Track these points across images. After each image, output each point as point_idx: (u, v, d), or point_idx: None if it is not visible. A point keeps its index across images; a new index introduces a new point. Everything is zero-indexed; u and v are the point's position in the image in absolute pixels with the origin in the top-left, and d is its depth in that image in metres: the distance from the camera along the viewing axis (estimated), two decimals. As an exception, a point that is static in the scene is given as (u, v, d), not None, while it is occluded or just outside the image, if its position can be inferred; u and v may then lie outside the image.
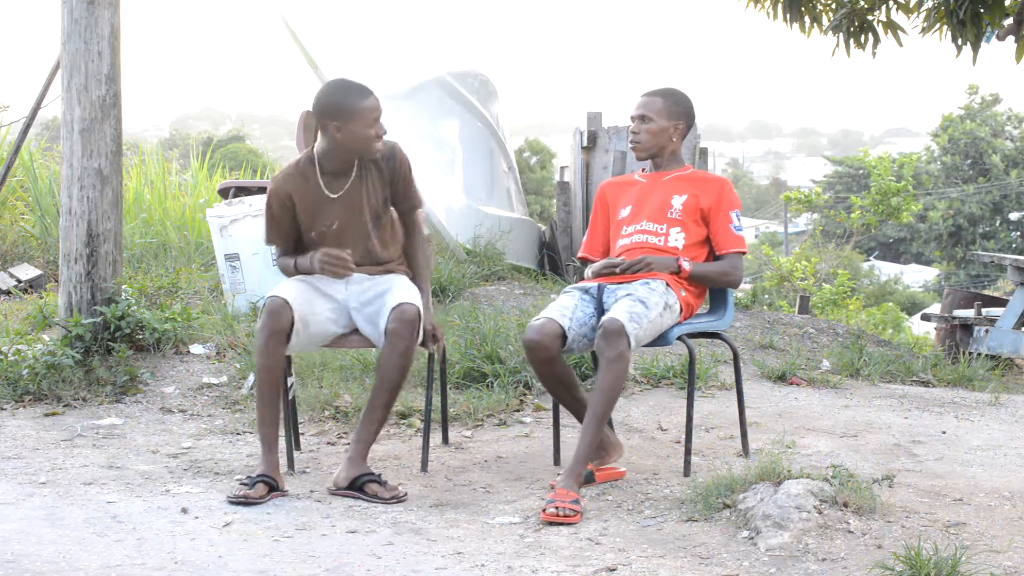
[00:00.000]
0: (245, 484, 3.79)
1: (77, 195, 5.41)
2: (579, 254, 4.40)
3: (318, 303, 4.03)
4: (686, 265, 4.08)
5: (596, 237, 4.34)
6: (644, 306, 3.88)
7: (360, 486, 3.80)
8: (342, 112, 3.93)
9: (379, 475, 3.87)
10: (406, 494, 3.83)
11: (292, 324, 3.90)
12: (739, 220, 4.22)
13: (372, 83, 7.33)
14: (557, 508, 3.58)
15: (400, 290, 4.02)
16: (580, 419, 4.04)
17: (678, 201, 4.17)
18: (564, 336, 3.92)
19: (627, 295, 3.93)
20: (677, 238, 4.14)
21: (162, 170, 10.01)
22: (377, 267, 4.14)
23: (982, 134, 36.61)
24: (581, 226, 8.22)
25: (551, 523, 3.57)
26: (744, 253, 4.21)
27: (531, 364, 3.99)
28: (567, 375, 4.00)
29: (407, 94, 8.14)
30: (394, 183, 4.13)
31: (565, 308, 3.99)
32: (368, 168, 4.09)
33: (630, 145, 4.25)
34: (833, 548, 3.25)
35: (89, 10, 5.38)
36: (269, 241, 4.21)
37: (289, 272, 4.16)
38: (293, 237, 4.16)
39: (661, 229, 4.14)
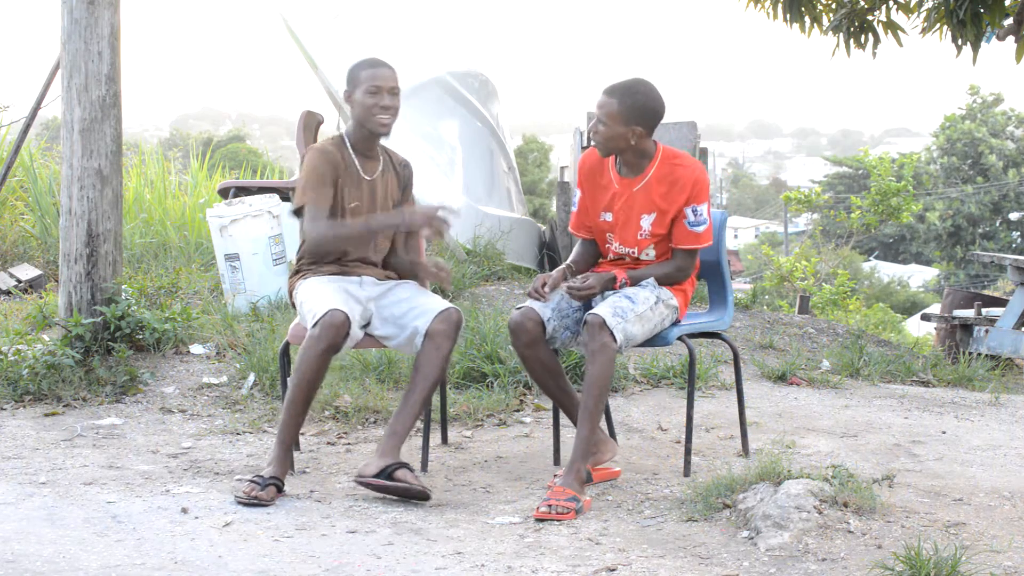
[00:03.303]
0: (256, 483, 3.76)
1: (77, 195, 5.41)
2: (569, 228, 4.33)
3: (356, 309, 3.99)
4: (622, 286, 4.00)
5: (581, 215, 4.22)
6: (630, 301, 3.90)
7: (390, 473, 3.78)
8: (351, 79, 4.08)
9: (410, 464, 3.89)
10: (431, 491, 3.82)
11: (345, 339, 3.88)
12: (695, 215, 4.02)
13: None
14: (550, 506, 3.59)
15: (436, 297, 4.09)
16: (568, 412, 4.09)
17: (647, 221, 4.05)
18: (544, 325, 3.97)
19: (614, 292, 3.96)
20: (648, 254, 4.10)
21: (162, 170, 10.00)
22: (381, 271, 4.18)
23: (979, 134, 36.62)
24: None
25: (543, 520, 3.57)
26: (697, 248, 4.07)
27: (515, 348, 4.04)
28: (552, 361, 4.03)
29: (407, 94, 8.07)
30: (404, 192, 4.24)
31: (548, 301, 4.04)
32: (389, 165, 4.20)
33: (592, 143, 4.15)
34: (833, 548, 3.25)
35: (89, 10, 5.38)
36: (314, 199, 3.99)
37: (342, 237, 4.01)
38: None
39: (633, 252, 4.10)
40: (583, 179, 4.24)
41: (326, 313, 3.80)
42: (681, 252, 4.08)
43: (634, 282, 4.04)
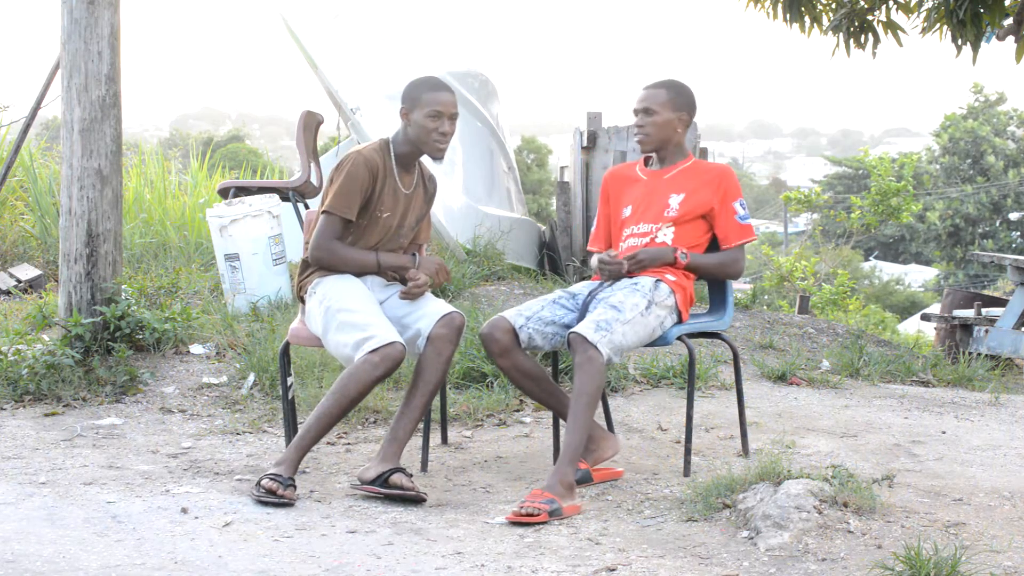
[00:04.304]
0: (279, 481, 3.73)
1: (77, 195, 5.41)
2: (588, 246, 4.45)
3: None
4: (682, 258, 4.11)
5: (601, 230, 4.37)
6: (617, 311, 3.89)
7: (386, 478, 3.79)
8: (410, 97, 4.07)
9: (408, 469, 3.89)
10: (426, 495, 3.82)
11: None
12: (744, 209, 4.23)
13: (371, 83, 7.28)
14: (521, 508, 3.58)
15: (439, 300, 4.10)
16: (560, 414, 4.10)
17: (675, 200, 4.18)
18: (516, 332, 4.00)
19: (604, 301, 3.97)
20: (666, 235, 4.15)
21: (162, 170, 10.00)
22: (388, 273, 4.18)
23: (983, 133, 36.61)
24: (581, 226, 8.22)
25: (515, 523, 3.54)
26: (752, 240, 4.25)
27: (490, 359, 4.11)
28: (531, 367, 4.05)
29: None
30: (427, 205, 4.26)
31: (524, 309, 4.08)
32: (420, 179, 4.20)
33: (636, 139, 4.25)
34: (833, 548, 3.25)
35: (89, 10, 5.38)
36: (341, 207, 3.98)
37: (345, 260, 4.03)
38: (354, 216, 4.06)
39: (652, 230, 4.16)
40: (608, 191, 4.36)
41: (389, 344, 3.80)
42: (733, 248, 4.21)
43: (692, 266, 4.13)
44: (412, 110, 4.05)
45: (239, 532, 3.45)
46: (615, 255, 4.12)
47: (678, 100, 4.20)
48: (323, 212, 4.04)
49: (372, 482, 3.80)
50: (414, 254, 4.15)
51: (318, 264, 4.09)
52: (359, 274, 4.08)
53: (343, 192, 3.99)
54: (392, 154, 4.10)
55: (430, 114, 4.01)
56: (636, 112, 4.22)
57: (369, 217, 4.06)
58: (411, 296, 4.04)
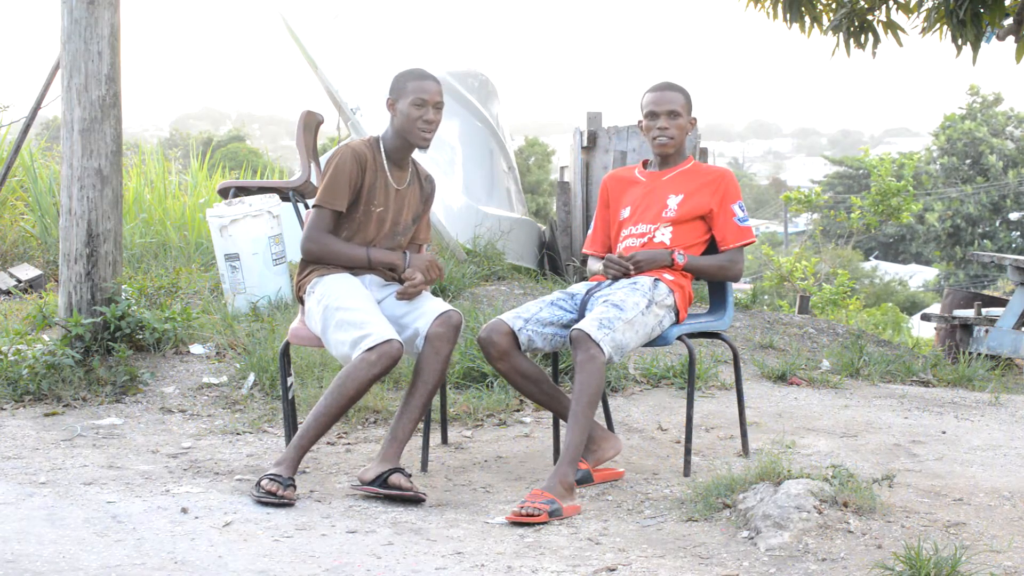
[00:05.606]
0: (278, 482, 3.73)
1: (77, 195, 5.41)
2: (583, 249, 4.46)
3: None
4: (680, 259, 4.12)
5: (598, 233, 4.38)
6: (619, 309, 3.89)
7: (385, 479, 3.79)
8: (396, 88, 4.12)
9: (407, 469, 3.89)
10: (425, 495, 3.82)
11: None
12: (743, 211, 4.25)
13: (371, 83, 7.30)
14: (521, 508, 3.57)
15: (437, 299, 4.10)
16: (560, 415, 4.11)
17: (674, 201, 4.19)
18: (516, 335, 3.99)
19: (605, 300, 3.96)
20: (664, 235, 4.16)
21: (162, 170, 10.00)
22: (387, 272, 4.18)
23: (980, 134, 36.62)
24: (581, 226, 8.23)
25: (515, 523, 3.54)
26: (751, 243, 4.25)
27: (489, 363, 4.11)
28: (530, 369, 4.05)
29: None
30: (424, 205, 4.27)
31: (522, 311, 4.08)
32: (415, 177, 4.21)
33: (661, 141, 4.22)
34: (833, 548, 3.25)
35: (89, 10, 5.38)
36: (329, 200, 4.01)
37: (336, 254, 4.04)
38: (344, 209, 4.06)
39: (650, 229, 4.17)
40: (608, 193, 4.38)
41: (385, 342, 3.79)
42: (731, 250, 4.22)
43: (690, 267, 4.14)
44: (398, 100, 4.09)
45: (239, 532, 3.45)
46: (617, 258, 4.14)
47: (690, 104, 4.28)
48: (313, 206, 4.08)
49: (372, 482, 3.80)
50: (405, 251, 4.15)
51: (309, 256, 4.11)
52: (350, 267, 4.09)
53: (331, 185, 4.04)
54: (382, 149, 4.13)
55: (415, 102, 4.04)
56: (656, 115, 4.21)
57: (363, 211, 4.08)
58: (407, 296, 4.05)
